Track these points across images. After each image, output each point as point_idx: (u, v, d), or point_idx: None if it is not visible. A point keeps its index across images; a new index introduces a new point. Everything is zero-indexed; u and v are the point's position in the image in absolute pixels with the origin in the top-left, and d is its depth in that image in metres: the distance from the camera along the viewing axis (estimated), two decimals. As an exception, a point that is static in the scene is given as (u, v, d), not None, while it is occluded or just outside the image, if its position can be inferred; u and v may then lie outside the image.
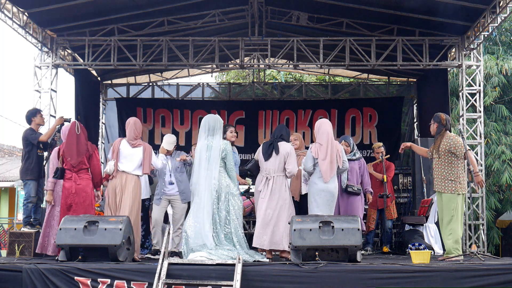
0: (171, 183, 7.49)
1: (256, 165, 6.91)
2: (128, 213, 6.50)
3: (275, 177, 6.65)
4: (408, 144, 7.31)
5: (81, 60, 11.20)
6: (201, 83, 13.74)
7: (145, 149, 6.77)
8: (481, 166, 10.41)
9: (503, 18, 9.69)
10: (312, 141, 12.62)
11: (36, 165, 7.65)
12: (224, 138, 6.88)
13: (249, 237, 6.70)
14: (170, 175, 7.50)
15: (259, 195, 6.71)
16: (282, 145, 6.75)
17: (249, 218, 9.79)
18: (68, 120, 7.68)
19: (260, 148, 6.88)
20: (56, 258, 6.19)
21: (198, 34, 11.15)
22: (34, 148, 7.67)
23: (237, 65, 11.34)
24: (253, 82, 14.05)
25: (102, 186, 7.58)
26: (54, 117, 10.25)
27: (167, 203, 7.55)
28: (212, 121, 6.47)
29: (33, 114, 8.01)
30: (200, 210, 6.18)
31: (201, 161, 6.33)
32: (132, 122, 6.90)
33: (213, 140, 6.37)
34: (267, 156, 6.71)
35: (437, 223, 9.01)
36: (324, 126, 6.84)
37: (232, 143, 7.35)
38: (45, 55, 10.62)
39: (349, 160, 7.54)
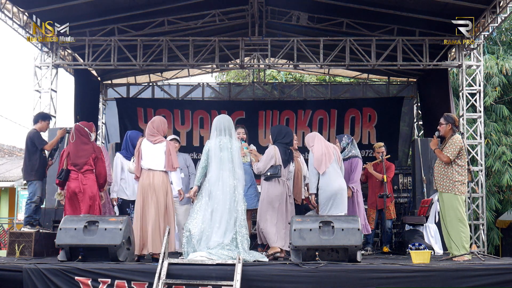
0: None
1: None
2: (155, 210, 6.38)
3: (290, 182, 7.07)
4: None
5: (81, 60, 11.21)
6: (201, 83, 13.75)
7: (166, 145, 6.58)
8: (481, 166, 10.41)
9: (503, 18, 9.70)
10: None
11: (40, 165, 7.66)
12: None
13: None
14: None
15: (288, 200, 6.87)
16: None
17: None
18: (69, 131, 7.66)
19: (276, 154, 6.84)
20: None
21: (198, 34, 11.16)
22: (38, 150, 7.70)
23: (237, 65, 11.35)
24: (253, 82, 14.05)
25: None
26: (54, 117, 10.26)
27: None
28: (226, 121, 6.46)
29: (43, 118, 8.01)
30: (209, 210, 6.14)
31: (218, 160, 6.25)
32: (150, 121, 6.80)
33: (230, 140, 6.35)
34: (286, 163, 6.93)
35: (437, 223, 9.01)
36: (306, 138, 7.40)
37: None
38: (45, 55, 10.63)
39: None
